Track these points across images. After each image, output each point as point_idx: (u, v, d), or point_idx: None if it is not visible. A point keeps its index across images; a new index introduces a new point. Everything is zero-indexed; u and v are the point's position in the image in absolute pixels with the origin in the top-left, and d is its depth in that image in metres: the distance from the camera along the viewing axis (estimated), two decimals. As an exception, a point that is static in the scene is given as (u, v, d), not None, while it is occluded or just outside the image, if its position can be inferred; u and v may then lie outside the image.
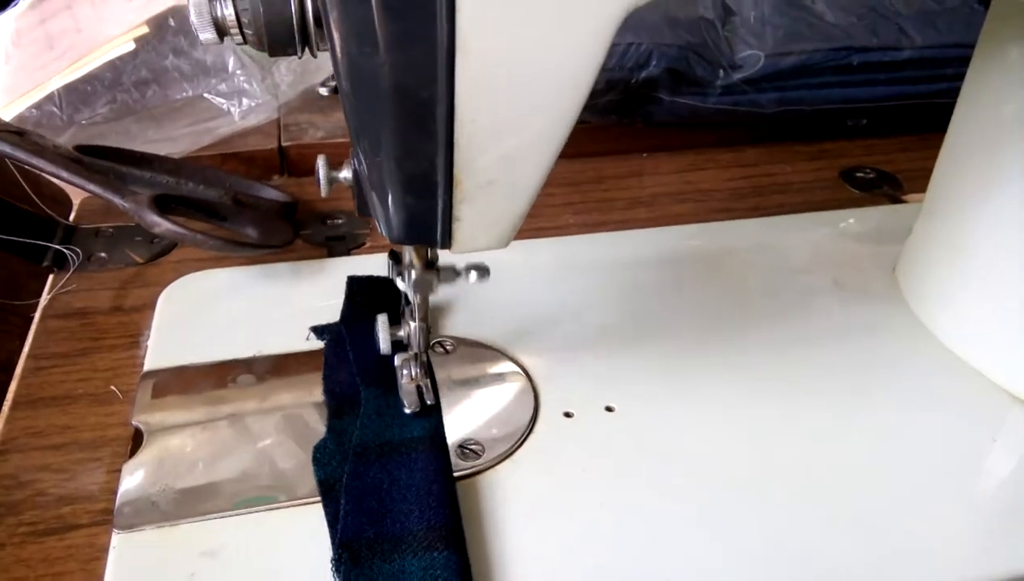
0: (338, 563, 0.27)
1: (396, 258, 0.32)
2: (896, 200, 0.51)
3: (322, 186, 0.29)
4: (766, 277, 0.43)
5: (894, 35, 0.53)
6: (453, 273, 0.31)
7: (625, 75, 0.50)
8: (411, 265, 0.30)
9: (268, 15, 0.27)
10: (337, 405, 0.33)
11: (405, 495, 0.29)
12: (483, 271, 0.32)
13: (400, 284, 0.31)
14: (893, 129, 0.58)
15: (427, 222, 0.27)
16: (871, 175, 0.53)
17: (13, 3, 0.64)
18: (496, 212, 0.27)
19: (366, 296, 0.39)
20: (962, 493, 0.32)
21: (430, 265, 0.31)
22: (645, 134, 0.56)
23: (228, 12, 0.27)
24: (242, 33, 0.28)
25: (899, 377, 0.37)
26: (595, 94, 0.52)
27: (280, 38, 0.27)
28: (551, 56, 0.23)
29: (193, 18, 0.28)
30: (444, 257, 0.31)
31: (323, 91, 0.40)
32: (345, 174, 0.29)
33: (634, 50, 0.50)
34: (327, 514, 0.29)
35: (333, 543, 0.28)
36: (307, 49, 0.28)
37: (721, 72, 0.52)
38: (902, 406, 0.35)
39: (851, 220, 0.48)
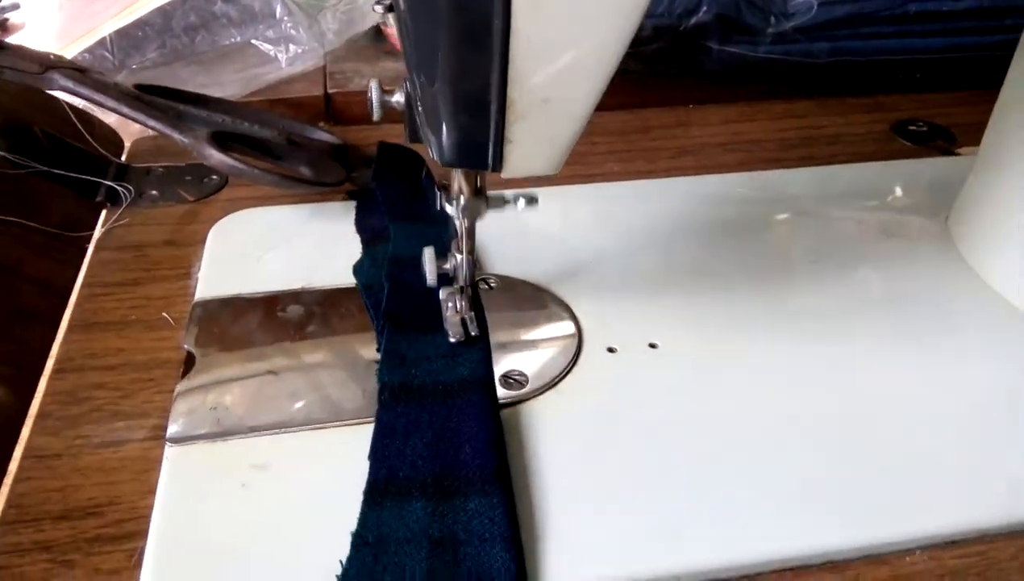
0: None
1: (445, 188, 0.32)
2: (949, 153, 0.50)
3: (374, 110, 0.29)
4: (814, 224, 0.43)
5: (951, -16, 0.51)
6: (502, 200, 0.31)
7: (674, 22, 0.50)
8: (460, 192, 0.30)
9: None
10: (369, 238, 0.39)
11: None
12: (531, 199, 0.32)
13: (449, 209, 0.31)
14: (947, 84, 0.56)
15: (479, 144, 0.27)
16: (924, 128, 0.52)
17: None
18: (549, 133, 0.27)
19: (394, 160, 0.45)
20: (1013, 437, 0.31)
21: (479, 193, 0.31)
22: (693, 86, 0.55)
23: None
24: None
25: (950, 323, 0.36)
26: (642, 41, 0.52)
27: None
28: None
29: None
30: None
31: (378, 8, 0.40)
32: (397, 98, 0.29)
33: (685, -6, 0.49)
34: (369, 307, 0.35)
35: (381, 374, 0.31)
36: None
37: (773, 19, 0.51)
38: (951, 352, 0.35)
39: (903, 171, 0.47)
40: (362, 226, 0.41)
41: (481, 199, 0.31)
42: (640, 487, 0.28)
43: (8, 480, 0.28)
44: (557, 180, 0.31)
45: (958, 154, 0.49)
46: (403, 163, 0.45)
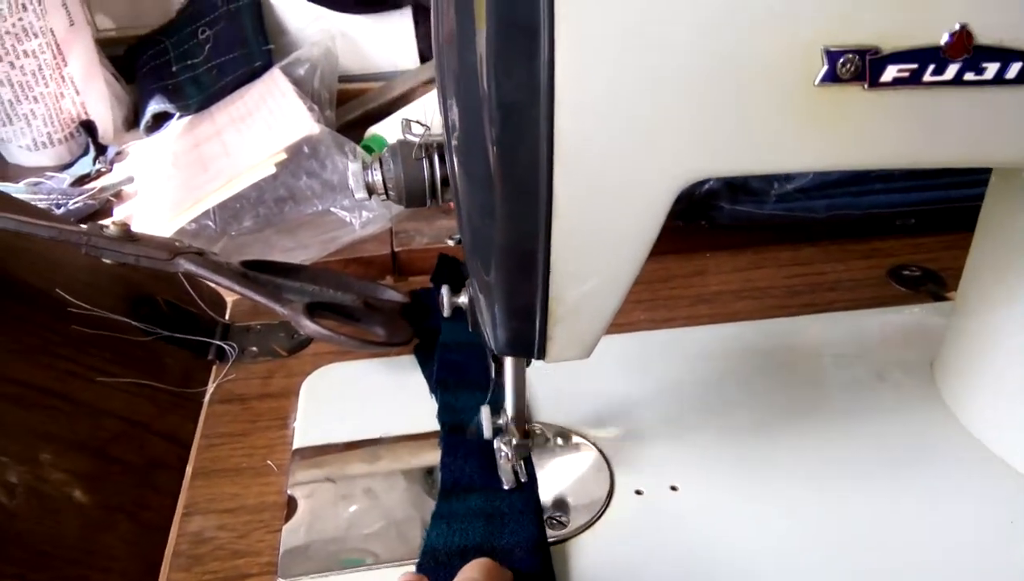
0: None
1: (498, 431, 0.40)
2: (939, 297, 0.56)
3: (445, 309, 0.37)
4: (815, 370, 0.49)
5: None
6: (544, 439, 0.40)
7: (689, 189, 0.58)
8: (512, 438, 0.39)
9: (408, 179, 0.36)
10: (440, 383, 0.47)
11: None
12: (566, 435, 0.40)
13: (501, 446, 0.39)
14: (941, 227, 0.63)
15: (527, 340, 0.34)
16: (917, 273, 0.58)
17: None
18: (580, 332, 0.34)
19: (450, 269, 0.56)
20: (982, 574, 0.37)
21: (526, 435, 0.39)
22: (709, 234, 0.63)
23: (377, 178, 0.36)
24: (386, 192, 0.36)
25: (930, 465, 0.42)
26: (663, 204, 0.60)
27: (416, 196, 0.36)
28: (621, 220, 0.31)
29: (351, 183, 0.37)
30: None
31: (450, 242, 0.50)
32: (463, 300, 0.37)
33: (697, 167, 0.57)
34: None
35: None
36: (434, 201, 0.37)
37: (775, 183, 0.58)
38: (931, 492, 0.40)
39: (895, 316, 0.54)
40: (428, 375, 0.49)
41: (527, 440, 0.39)
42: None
43: (155, 608, 0.35)
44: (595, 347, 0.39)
45: (948, 299, 0.56)
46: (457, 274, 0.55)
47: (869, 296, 0.56)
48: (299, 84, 0.73)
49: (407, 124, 0.37)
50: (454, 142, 0.31)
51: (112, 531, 0.37)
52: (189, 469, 0.43)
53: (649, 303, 0.56)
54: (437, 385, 0.47)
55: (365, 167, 0.36)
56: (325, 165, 0.62)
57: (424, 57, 0.86)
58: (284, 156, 0.62)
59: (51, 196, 0.68)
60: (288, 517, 0.39)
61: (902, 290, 0.57)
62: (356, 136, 0.69)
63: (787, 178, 0.58)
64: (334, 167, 0.63)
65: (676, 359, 0.50)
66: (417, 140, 0.36)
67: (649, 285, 0.58)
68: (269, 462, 0.43)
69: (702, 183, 0.58)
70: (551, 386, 0.47)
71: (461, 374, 0.47)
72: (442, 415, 0.45)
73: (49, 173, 0.76)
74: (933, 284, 0.57)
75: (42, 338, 0.44)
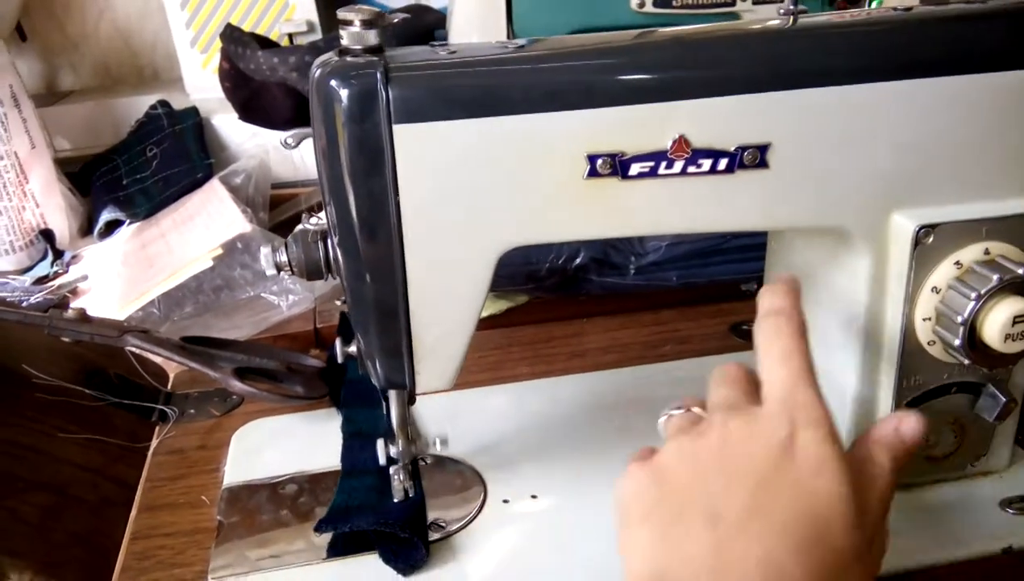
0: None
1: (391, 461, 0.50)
2: (769, 344, 0.68)
3: (339, 356, 0.47)
4: (659, 404, 0.60)
5: (760, 224, 0.72)
6: (426, 443, 0.50)
7: (561, 265, 0.70)
8: (398, 438, 0.48)
9: (307, 258, 0.46)
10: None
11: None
12: (444, 442, 0.50)
13: (388, 449, 0.49)
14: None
15: (400, 374, 0.45)
16: (747, 328, 0.70)
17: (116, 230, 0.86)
18: (441, 367, 0.45)
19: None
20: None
21: (409, 440, 0.49)
22: (586, 303, 0.74)
23: (283, 258, 0.47)
24: (291, 269, 0.47)
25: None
26: (542, 279, 0.72)
27: (313, 270, 0.46)
28: (459, 279, 0.42)
29: (262, 262, 0.47)
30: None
31: (338, 303, 0.61)
32: (351, 349, 0.48)
33: (566, 246, 0.70)
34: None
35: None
36: (329, 275, 0.48)
37: (633, 258, 0.71)
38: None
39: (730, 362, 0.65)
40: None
41: (411, 444, 0.49)
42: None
43: (106, 610, 0.44)
44: (479, 382, 0.49)
45: (775, 345, 0.68)
46: None
47: (714, 347, 0.68)
48: (235, 191, 0.85)
49: (306, 216, 0.48)
50: (335, 228, 0.42)
51: (69, 551, 0.46)
52: (135, 506, 0.51)
53: (531, 359, 0.67)
54: (342, 405, 0.58)
55: (274, 250, 0.47)
56: (256, 258, 0.73)
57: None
58: (220, 251, 0.73)
59: (14, 294, 0.78)
60: (217, 537, 0.48)
61: (740, 342, 0.69)
62: (287, 233, 0.80)
63: (642, 254, 0.71)
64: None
65: (547, 400, 0.60)
66: (313, 228, 0.47)
67: (532, 346, 0.69)
68: (203, 497, 0.52)
69: (572, 259, 0.70)
70: (439, 426, 0.57)
71: (359, 398, 0.58)
72: (345, 426, 0.56)
73: (12, 275, 0.85)
74: (766, 335, 0.69)
75: (11, 403, 0.53)
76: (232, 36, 0.87)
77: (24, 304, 0.75)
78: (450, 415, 0.58)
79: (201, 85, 1.01)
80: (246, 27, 0.93)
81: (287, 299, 0.72)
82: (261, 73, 0.87)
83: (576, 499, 0.50)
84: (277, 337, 0.71)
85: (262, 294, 0.73)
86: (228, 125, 0.96)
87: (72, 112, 1.04)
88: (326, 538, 0.47)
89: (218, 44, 0.98)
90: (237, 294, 0.73)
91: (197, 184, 0.89)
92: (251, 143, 0.96)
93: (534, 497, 0.50)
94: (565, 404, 0.60)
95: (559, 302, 0.74)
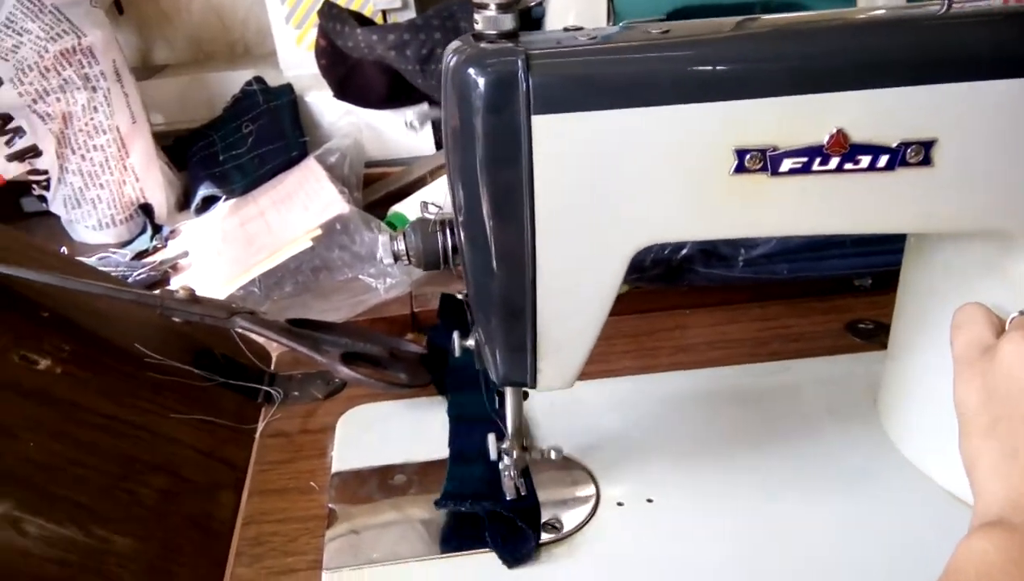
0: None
1: (501, 455, 0.48)
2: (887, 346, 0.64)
3: (456, 350, 0.46)
4: (774, 406, 0.57)
5: (880, 217, 0.68)
6: (539, 452, 0.48)
7: (667, 255, 0.67)
8: (512, 449, 0.47)
9: (425, 249, 0.45)
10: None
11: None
12: (559, 451, 0.48)
13: (501, 465, 0.48)
14: (895, 286, 0.71)
15: (521, 372, 0.43)
16: (871, 326, 0.67)
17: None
18: (563, 365, 0.43)
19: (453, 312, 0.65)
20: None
21: (524, 448, 0.48)
22: (689, 293, 0.72)
23: (401, 247, 0.45)
24: (409, 259, 0.46)
25: (872, 485, 0.50)
26: (645, 269, 0.69)
27: (432, 261, 0.45)
28: (591, 276, 0.40)
29: (380, 252, 0.46)
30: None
31: (459, 296, 0.60)
32: (469, 343, 0.46)
33: (673, 237, 0.67)
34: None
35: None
36: (447, 266, 0.46)
37: (743, 250, 0.68)
38: (871, 509, 0.48)
39: (848, 363, 0.62)
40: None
41: (525, 452, 0.47)
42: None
43: (223, 596, 0.44)
44: (584, 375, 0.48)
45: (894, 346, 0.64)
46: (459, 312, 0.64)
47: (828, 346, 0.65)
48: (331, 170, 0.84)
49: (424, 205, 0.46)
50: (461, 218, 0.40)
51: (186, 535, 0.46)
52: (246, 489, 0.52)
53: (635, 353, 0.65)
54: (448, 390, 0.58)
55: (392, 239, 0.46)
56: (354, 239, 0.73)
57: (439, 145, 0.98)
58: (319, 232, 0.72)
59: (117, 269, 0.79)
60: (329, 526, 0.48)
61: (857, 341, 0.66)
62: (380, 214, 0.80)
63: (752, 246, 0.68)
64: (362, 241, 0.73)
65: (656, 398, 0.58)
66: (432, 217, 0.45)
67: (635, 338, 0.67)
68: (312, 483, 0.51)
69: (678, 249, 0.67)
70: (549, 420, 0.56)
71: (463, 383, 0.58)
72: (450, 410, 0.56)
73: (112, 249, 0.87)
74: (884, 335, 0.66)
75: (124, 382, 0.53)
76: (331, 13, 0.86)
77: (129, 280, 0.76)
78: (557, 409, 0.56)
79: (295, 61, 1.01)
80: (341, 3, 0.92)
81: (384, 282, 0.72)
82: (359, 51, 0.86)
83: (694, 505, 0.48)
84: (374, 320, 0.70)
85: (360, 276, 0.72)
86: (321, 103, 0.96)
87: (166, 87, 1.05)
88: (438, 535, 0.46)
89: (313, 20, 0.98)
90: (335, 275, 0.72)
91: (292, 162, 0.89)
92: (344, 121, 0.95)
93: (650, 501, 0.49)
94: (674, 402, 0.58)
95: (660, 293, 0.72)
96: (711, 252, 0.68)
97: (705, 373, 0.62)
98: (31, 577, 0.38)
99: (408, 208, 0.80)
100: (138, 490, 0.46)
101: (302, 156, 0.89)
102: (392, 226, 0.77)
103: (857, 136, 0.37)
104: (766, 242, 0.68)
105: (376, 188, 0.91)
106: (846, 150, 0.37)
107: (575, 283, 0.40)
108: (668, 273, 0.69)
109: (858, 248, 0.68)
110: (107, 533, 0.42)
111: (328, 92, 0.94)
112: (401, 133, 0.96)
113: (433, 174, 0.91)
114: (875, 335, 0.66)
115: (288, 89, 0.95)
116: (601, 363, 0.63)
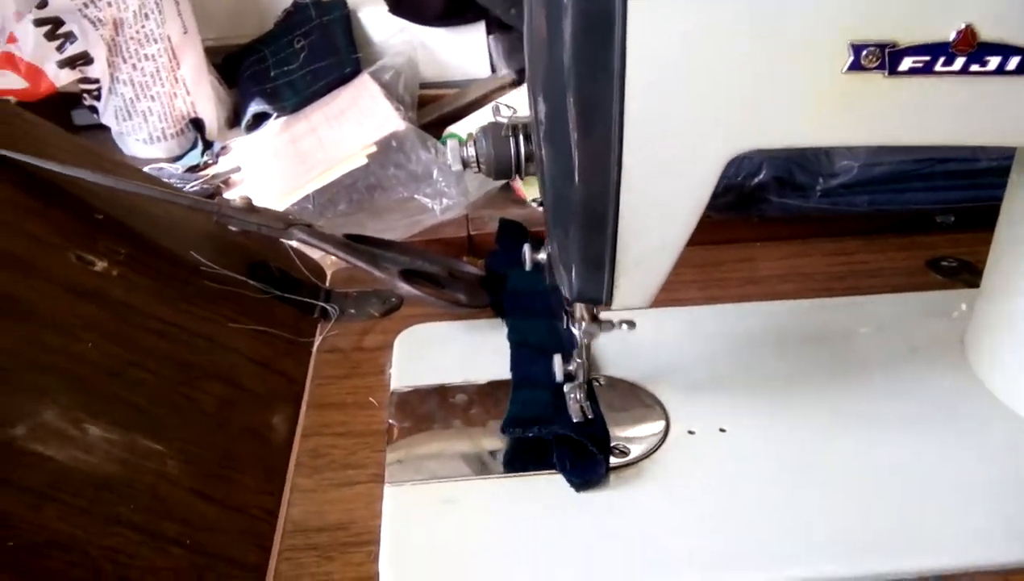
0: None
1: (571, 314, 0.46)
2: (973, 285, 0.60)
3: (527, 262, 0.44)
4: (852, 341, 0.54)
5: (971, 148, 0.63)
6: (611, 325, 0.45)
7: (740, 181, 0.64)
8: (582, 318, 0.44)
9: (497, 155, 0.42)
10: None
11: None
12: (631, 323, 0.45)
13: (574, 330, 0.45)
14: (979, 224, 0.67)
15: (597, 288, 0.41)
16: (954, 264, 0.63)
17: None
18: (642, 283, 0.41)
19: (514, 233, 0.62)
20: (997, 505, 0.42)
21: (595, 319, 0.45)
22: (758, 226, 0.68)
23: (471, 153, 0.43)
24: (479, 166, 0.43)
25: (956, 421, 0.47)
26: (716, 196, 0.65)
27: (503, 169, 0.43)
28: (679, 185, 0.37)
29: (448, 157, 0.43)
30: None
31: (533, 203, 0.56)
32: (541, 256, 0.44)
33: (747, 162, 0.63)
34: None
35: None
36: (518, 175, 0.44)
37: (820, 179, 0.64)
38: (956, 443, 0.45)
39: (930, 300, 0.58)
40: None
41: (596, 324, 0.45)
42: (705, 535, 0.41)
43: (284, 506, 0.43)
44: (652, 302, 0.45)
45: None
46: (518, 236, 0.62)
47: (908, 283, 0.61)
48: (385, 88, 0.81)
49: (496, 108, 0.44)
50: (541, 119, 0.37)
51: (245, 444, 0.45)
52: (304, 402, 0.50)
53: (703, 283, 0.62)
54: (507, 314, 0.55)
55: (461, 144, 0.43)
56: (410, 158, 0.70)
57: (494, 68, 0.94)
58: (374, 149, 0.70)
59: (170, 181, 0.77)
60: (389, 441, 0.46)
61: (939, 278, 0.62)
62: (434, 135, 0.77)
63: (832, 174, 0.64)
64: (418, 159, 0.70)
65: (724, 328, 0.56)
66: (505, 121, 0.42)
67: (703, 268, 0.64)
68: (371, 399, 0.50)
69: (753, 175, 0.64)
70: (616, 345, 0.53)
71: (522, 309, 0.55)
72: (511, 335, 0.53)
73: (162, 164, 0.85)
74: (968, 274, 0.62)
75: (180, 289, 0.52)
76: (389, -80, 0.82)
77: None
78: (622, 336, 0.53)
79: (348, -25, 0.97)
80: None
81: (440, 202, 0.69)
82: (417, -39, 0.82)
83: (768, 436, 0.46)
84: (429, 241, 0.68)
85: (415, 196, 0.70)
86: (375, 18, 0.92)
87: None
88: (501, 455, 0.45)
89: (369, -68, 0.94)
90: (390, 194, 0.70)
91: (345, 79, 0.86)
92: (398, 39, 0.92)
93: (723, 431, 0.46)
94: (743, 333, 0.55)
95: (728, 224, 0.68)
96: (786, 180, 0.64)
97: (776, 305, 0.59)
98: (91, 476, 0.38)
99: (463, 130, 0.76)
100: (197, 396, 0.45)
101: (355, 73, 0.86)
102: (448, 146, 0.74)
103: (987, 34, 0.33)
104: (847, 172, 0.64)
105: (429, 110, 0.88)
106: (973, 49, 0.34)
107: (663, 192, 0.37)
108: (740, 201, 0.65)
109: (947, 181, 0.64)
110: (166, 437, 0.41)
111: (382, 7, 0.90)
112: (455, 54, 0.93)
113: (489, 96, 0.87)
114: (958, 273, 0.62)
115: (341, 3, 0.92)
116: (667, 292, 0.59)
